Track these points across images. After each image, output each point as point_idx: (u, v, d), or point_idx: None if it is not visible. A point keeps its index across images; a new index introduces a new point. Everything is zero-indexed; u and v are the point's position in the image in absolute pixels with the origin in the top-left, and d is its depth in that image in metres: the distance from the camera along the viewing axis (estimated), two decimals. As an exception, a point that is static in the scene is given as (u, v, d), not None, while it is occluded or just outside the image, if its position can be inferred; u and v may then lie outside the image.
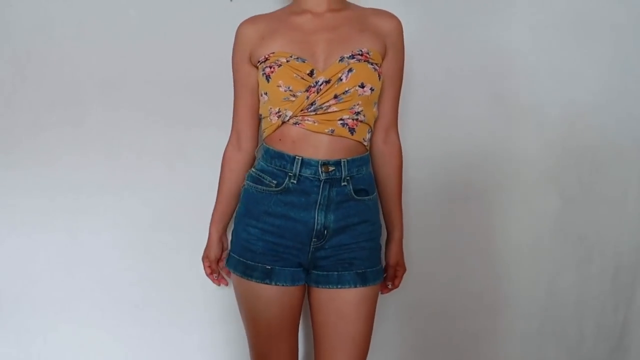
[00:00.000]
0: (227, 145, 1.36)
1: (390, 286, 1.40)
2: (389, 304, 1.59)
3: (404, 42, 1.29)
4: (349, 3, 1.30)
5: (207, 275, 1.45)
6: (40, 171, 1.49)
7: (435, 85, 1.49)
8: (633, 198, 1.69)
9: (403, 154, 1.35)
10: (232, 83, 1.32)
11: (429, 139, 1.56)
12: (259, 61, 1.21)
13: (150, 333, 1.57)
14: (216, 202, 1.39)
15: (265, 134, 1.25)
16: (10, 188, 1.50)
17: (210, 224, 1.40)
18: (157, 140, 1.51)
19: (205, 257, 1.43)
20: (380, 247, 1.32)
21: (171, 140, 1.52)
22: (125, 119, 1.49)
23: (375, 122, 1.28)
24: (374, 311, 1.28)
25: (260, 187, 1.22)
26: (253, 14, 1.30)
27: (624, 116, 1.64)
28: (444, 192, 1.60)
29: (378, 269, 1.27)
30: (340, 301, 1.22)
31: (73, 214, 1.52)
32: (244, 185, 1.30)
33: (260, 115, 1.28)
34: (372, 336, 1.41)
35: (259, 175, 1.23)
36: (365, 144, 1.23)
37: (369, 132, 1.24)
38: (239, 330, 1.48)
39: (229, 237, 1.36)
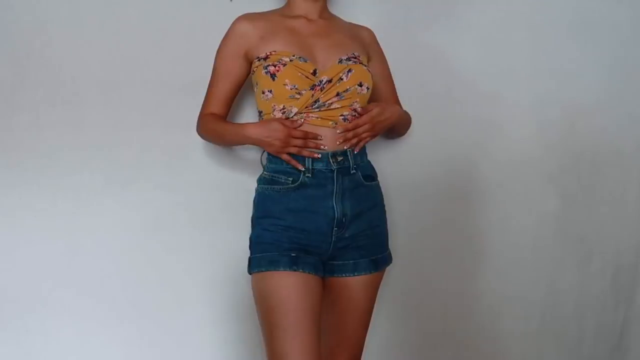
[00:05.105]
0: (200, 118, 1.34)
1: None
2: (390, 304, 1.59)
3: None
4: (333, 14, 1.40)
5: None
6: (40, 171, 1.49)
7: (435, 86, 1.49)
8: (633, 198, 1.70)
9: (403, 154, 1.40)
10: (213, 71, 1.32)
11: (429, 139, 1.56)
12: (258, 58, 1.26)
13: (151, 333, 1.57)
14: (229, 125, 1.32)
15: None
16: (10, 188, 1.50)
17: (242, 129, 1.27)
18: (157, 141, 1.51)
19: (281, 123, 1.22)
20: (387, 231, 1.36)
21: (171, 141, 1.51)
22: (125, 119, 1.49)
23: None
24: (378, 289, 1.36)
25: (276, 187, 1.26)
26: (252, 14, 1.33)
27: (623, 117, 1.64)
28: (444, 192, 1.60)
29: (387, 254, 1.35)
30: (353, 287, 1.29)
31: (73, 214, 1.52)
32: (257, 189, 1.31)
33: (261, 112, 1.30)
34: (372, 337, 1.41)
35: (272, 176, 1.27)
36: None
37: None
38: (239, 330, 1.49)
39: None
